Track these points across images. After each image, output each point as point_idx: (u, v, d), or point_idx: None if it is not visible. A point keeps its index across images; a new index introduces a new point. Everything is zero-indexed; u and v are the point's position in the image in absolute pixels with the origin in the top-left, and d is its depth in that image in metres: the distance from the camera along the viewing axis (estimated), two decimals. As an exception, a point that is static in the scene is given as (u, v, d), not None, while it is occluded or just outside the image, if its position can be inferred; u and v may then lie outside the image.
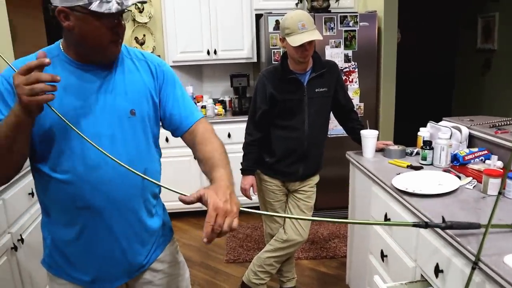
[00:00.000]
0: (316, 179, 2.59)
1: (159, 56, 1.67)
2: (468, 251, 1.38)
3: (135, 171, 1.15)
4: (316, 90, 2.34)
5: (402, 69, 4.06)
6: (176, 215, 3.87)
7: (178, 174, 3.72)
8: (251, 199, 2.44)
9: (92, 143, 1.12)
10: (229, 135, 3.82)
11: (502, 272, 1.23)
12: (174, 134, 1.44)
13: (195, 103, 3.94)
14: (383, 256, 2.06)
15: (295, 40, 2.15)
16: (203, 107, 3.89)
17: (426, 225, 1.47)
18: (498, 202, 1.34)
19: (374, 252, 2.19)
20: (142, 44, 4.09)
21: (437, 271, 1.55)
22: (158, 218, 1.46)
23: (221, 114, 3.97)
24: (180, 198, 1.09)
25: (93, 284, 1.38)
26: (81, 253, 1.33)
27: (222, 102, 4.14)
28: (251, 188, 2.48)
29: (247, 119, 2.47)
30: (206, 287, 2.94)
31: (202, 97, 4.06)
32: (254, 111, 2.39)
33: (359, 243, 2.54)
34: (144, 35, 4.10)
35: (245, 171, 2.47)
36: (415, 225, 1.48)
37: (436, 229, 1.57)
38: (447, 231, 1.50)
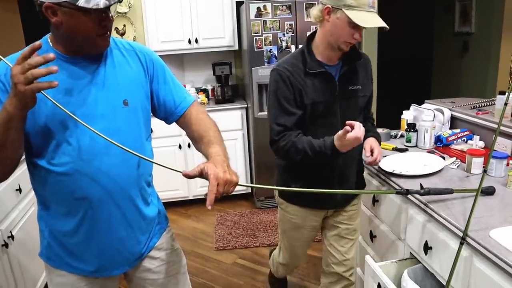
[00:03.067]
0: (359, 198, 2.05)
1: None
2: (456, 227, 1.43)
3: (140, 155, 1.22)
4: (350, 88, 1.79)
5: (382, 53, 4.12)
6: (164, 205, 3.84)
7: (162, 163, 3.70)
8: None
9: (93, 129, 1.15)
10: (214, 124, 3.82)
11: (488, 246, 1.28)
12: (168, 120, 1.47)
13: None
14: (372, 237, 2.11)
15: (363, 19, 1.58)
16: (187, 96, 3.87)
17: (407, 192, 1.57)
18: (483, 179, 1.39)
19: (363, 233, 2.24)
20: (122, 34, 4.04)
21: (426, 248, 1.60)
22: (153, 206, 1.49)
23: (204, 103, 3.96)
24: (184, 173, 1.15)
25: (94, 273, 1.39)
26: (81, 244, 1.34)
27: (205, 91, 4.13)
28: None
29: (270, 139, 1.81)
30: (197, 275, 2.96)
31: (184, 86, 4.01)
32: (278, 110, 1.74)
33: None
34: (124, 25, 4.04)
35: (331, 148, 1.65)
36: (397, 192, 1.58)
37: (423, 207, 1.62)
38: (435, 209, 1.55)
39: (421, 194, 1.55)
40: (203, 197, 1.18)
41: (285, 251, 2.16)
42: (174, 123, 1.49)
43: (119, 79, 1.31)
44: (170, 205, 3.95)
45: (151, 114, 1.46)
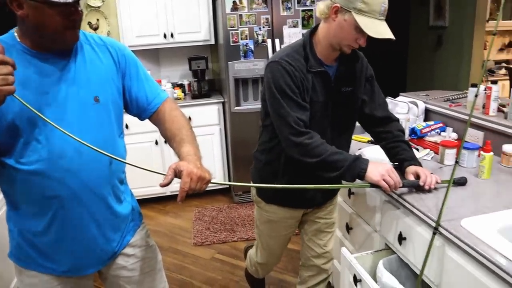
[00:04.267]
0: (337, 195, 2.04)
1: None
2: (429, 218, 1.45)
3: (111, 155, 1.21)
4: (343, 90, 1.70)
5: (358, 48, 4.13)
6: (141, 202, 3.78)
7: (139, 161, 3.64)
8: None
9: (61, 129, 1.12)
10: (189, 119, 3.79)
11: (460, 235, 1.31)
12: (141, 117, 1.45)
13: (154, 88, 3.89)
14: (348, 229, 2.13)
15: (372, 27, 1.49)
16: (163, 91, 3.82)
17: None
18: (455, 171, 1.41)
19: (340, 225, 2.26)
20: (95, 29, 3.96)
21: (401, 239, 1.62)
22: (127, 203, 1.46)
23: (180, 98, 3.92)
24: (161, 184, 1.18)
25: (67, 273, 1.36)
26: (52, 243, 1.31)
27: (181, 86, 4.08)
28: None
29: (284, 133, 1.63)
30: (175, 271, 2.94)
31: (160, 81, 3.99)
32: (292, 102, 1.60)
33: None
34: (97, 20, 3.96)
35: (360, 161, 1.58)
36: (372, 185, 1.56)
37: (398, 199, 1.64)
38: (409, 200, 1.57)
39: (375, 187, 1.57)
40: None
41: (263, 250, 2.11)
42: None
43: (90, 75, 1.28)
44: (147, 201, 3.91)
45: (124, 110, 1.43)
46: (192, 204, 3.95)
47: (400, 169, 1.74)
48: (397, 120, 1.87)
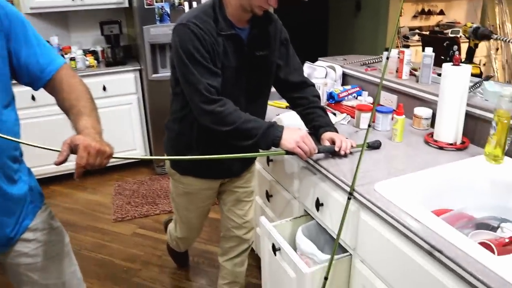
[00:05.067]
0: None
1: (12, 2, 1.42)
2: (344, 182, 1.44)
3: None
4: (257, 54, 1.61)
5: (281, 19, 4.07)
6: (55, 179, 3.58)
7: (48, 136, 3.29)
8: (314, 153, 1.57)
9: None
10: (104, 88, 3.54)
11: (373, 199, 1.31)
12: (35, 86, 1.28)
13: (63, 55, 3.57)
14: (268, 196, 2.11)
15: None
16: (72, 59, 3.52)
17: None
18: (368, 134, 1.40)
19: (260, 193, 2.23)
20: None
21: (318, 204, 1.61)
22: (23, 183, 1.30)
23: (93, 66, 3.63)
24: (56, 162, 1.07)
25: None
26: None
27: (94, 53, 3.79)
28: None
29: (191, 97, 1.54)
30: (94, 250, 2.78)
31: (70, 48, 3.66)
32: (202, 68, 1.49)
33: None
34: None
35: (274, 129, 1.54)
36: (287, 153, 1.53)
37: (314, 165, 1.62)
38: (324, 166, 1.55)
39: (290, 154, 1.54)
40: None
41: (182, 225, 2.04)
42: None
43: None
44: (63, 178, 3.64)
45: (13, 79, 1.25)
46: (112, 178, 3.76)
47: (316, 136, 1.71)
48: (313, 85, 1.84)
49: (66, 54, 3.59)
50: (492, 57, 5.35)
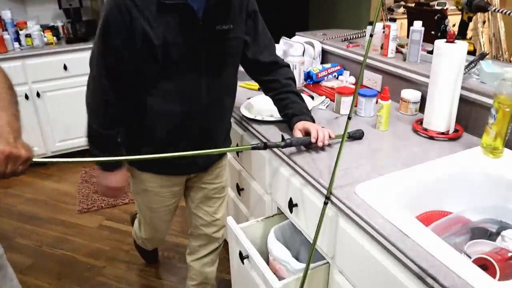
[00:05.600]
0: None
1: None
2: (320, 184, 1.23)
3: None
4: (217, 28, 1.36)
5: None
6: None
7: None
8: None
9: None
10: (65, 67, 3.23)
11: (353, 206, 1.10)
12: None
13: (17, 31, 3.25)
14: (239, 190, 1.90)
15: None
16: (28, 35, 3.20)
17: (265, 146, 1.32)
18: (348, 125, 1.18)
19: (231, 185, 2.02)
20: None
21: (291, 205, 1.41)
22: None
23: (52, 43, 3.32)
24: None
25: None
26: None
27: (54, 29, 3.46)
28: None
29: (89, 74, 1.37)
30: (55, 246, 2.56)
31: (25, 23, 3.33)
32: (104, 61, 1.31)
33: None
34: None
35: (107, 166, 1.49)
36: (253, 147, 1.31)
37: (287, 160, 1.40)
38: (298, 162, 1.34)
39: (282, 147, 1.32)
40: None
41: (146, 225, 1.81)
42: None
43: None
44: (24, 165, 3.39)
45: None
46: (79, 164, 3.51)
47: (289, 125, 1.49)
48: (287, 65, 1.61)
49: (21, 30, 3.25)
50: (479, 30, 5.13)
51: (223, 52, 1.40)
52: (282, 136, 1.33)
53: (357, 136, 1.46)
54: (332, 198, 1.17)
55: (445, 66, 1.37)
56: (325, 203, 1.17)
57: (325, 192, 1.20)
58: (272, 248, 1.44)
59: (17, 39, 3.23)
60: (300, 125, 1.44)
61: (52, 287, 2.24)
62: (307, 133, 1.42)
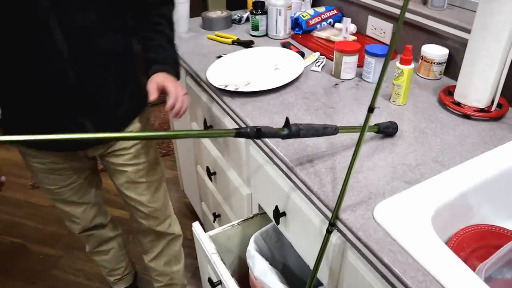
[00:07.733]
0: (141, 119, 1.31)
1: None
2: (322, 201, 0.84)
3: None
4: None
5: None
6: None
7: None
8: None
9: None
10: None
11: (365, 237, 0.72)
12: None
13: None
14: (210, 173, 1.51)
15: None
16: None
17: (257, 133, 0.85)
18: (369, 119, 0.77)
19: (203, 167, 1.63)
20: None
21: (279, 214, 1.03)
22: None
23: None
24: None
25: None
26: None
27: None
28: None
29: None
30: (3, 232, 2.20)
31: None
32: None
33: (185, 157, 1.95)
34: None
35: None
36: (238, 132, 0.86)
37: (274, 158, 1.00)
38: (289, 165, 0.94)
39: (252, 138, 0.87)
40: None
41: (56, 203, 1.39)
42: None
43: None
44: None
45: None
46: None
47: (147, 74, 1.10)
48: (168, 3, 1.20)
49: None
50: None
51: None
52: (287, 120, 0.87)
53: (389, 132, 1.01)
54: (338, 223, 0.79)
55: (496, 15, 0.94)
56: (329, 232, 0.78)
57: (326, 211, 0.82)
58: (254, 266, 1.08)
59: None
60: (160, 79, 1.06)
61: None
62: (162, 93, 1.05)
